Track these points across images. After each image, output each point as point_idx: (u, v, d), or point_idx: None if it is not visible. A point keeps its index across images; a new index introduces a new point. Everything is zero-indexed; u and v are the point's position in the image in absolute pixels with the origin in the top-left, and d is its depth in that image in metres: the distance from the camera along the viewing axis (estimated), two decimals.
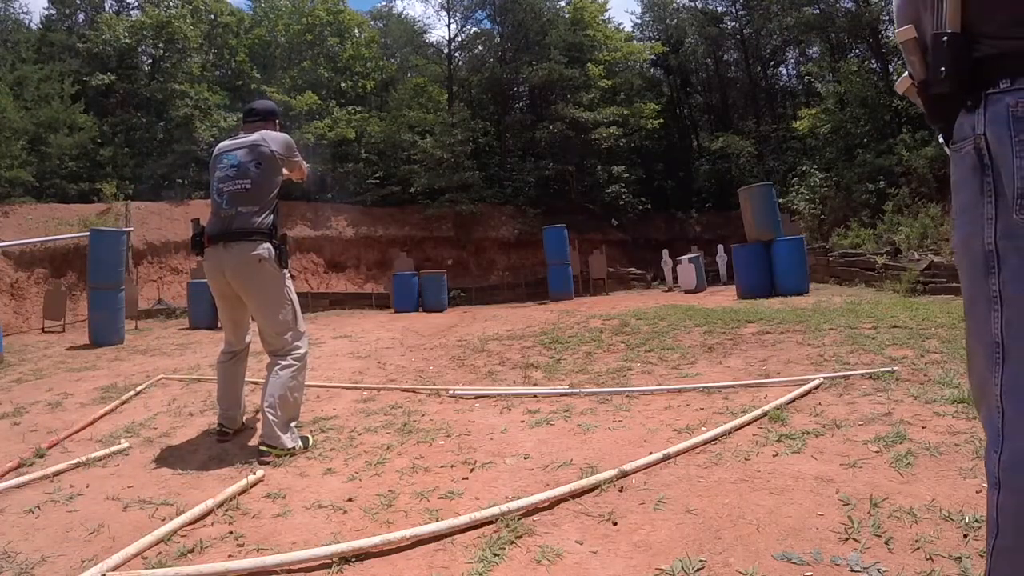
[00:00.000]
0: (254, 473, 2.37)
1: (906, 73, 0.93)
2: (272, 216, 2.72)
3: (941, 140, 0.92)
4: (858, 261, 9.76)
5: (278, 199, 2.81)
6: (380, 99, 26.80)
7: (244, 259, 2.62)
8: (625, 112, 22.16)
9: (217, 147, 2.88)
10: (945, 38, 0.80)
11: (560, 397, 3.34)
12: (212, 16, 26.08)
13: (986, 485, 0.85)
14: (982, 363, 0.84)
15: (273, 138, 2.78)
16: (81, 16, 23.57)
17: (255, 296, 2.71)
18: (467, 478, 2.24)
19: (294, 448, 2.62)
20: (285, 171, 2.94)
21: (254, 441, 2.93)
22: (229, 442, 2.87)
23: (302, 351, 2.76)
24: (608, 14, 25.27)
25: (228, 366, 2.93)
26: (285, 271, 2.72)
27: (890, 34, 17.03)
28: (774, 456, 2.15)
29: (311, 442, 2.74)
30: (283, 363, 2.69)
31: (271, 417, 2.59)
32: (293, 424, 2.71)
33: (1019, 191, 0.75)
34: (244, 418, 3.07)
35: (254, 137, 2.77)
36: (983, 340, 0.82)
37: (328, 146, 22.35)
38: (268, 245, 2.66)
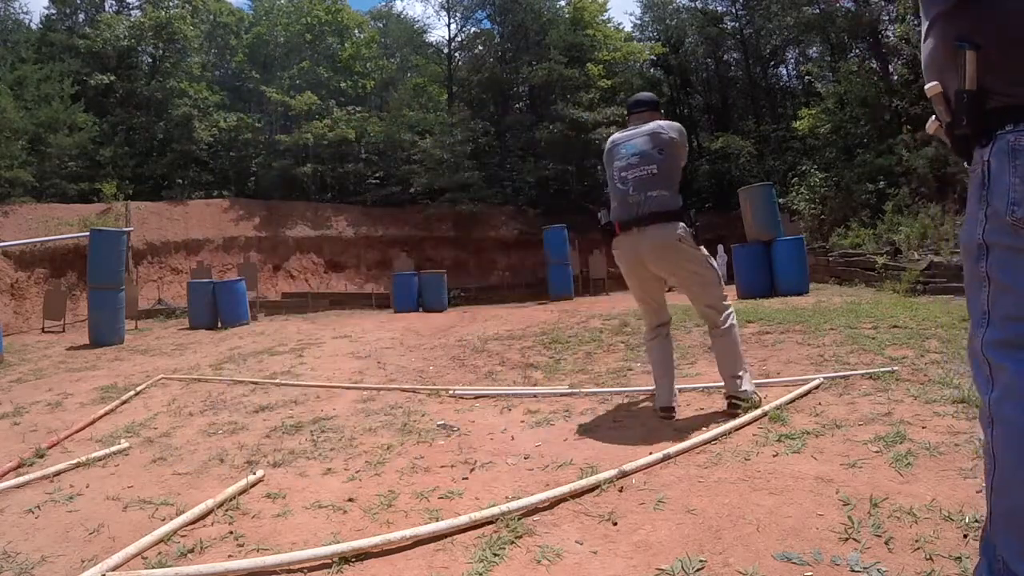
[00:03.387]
0: (254, 473, 2.37)
1: (933, 117, 1.18)
2: (680, 197, 2.74)
3: (967, 165, 1.16)
4: (858, 261, 9.75)
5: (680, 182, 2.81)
6: (380, 99, 26.81)
7: (661, 241, 2.66)
8: (625, 112, 22.13)
9: (611, 139, 2.93)
10: (965, 95, 1.04)
11: (560, 397, 3.34)
12: (212, 16, 26.10)
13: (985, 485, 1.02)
14: (974, 328, 1.07)
15: (670, 125, 2.80)
16: (81, 16, 23.57)
17: (676, 272, 2.75)
18: (467, 478, 2.24)
19: (755, 396, 2.71)
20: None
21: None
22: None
23: (730, 312, 2.78)
24: (608, 14, 25.30)
25: (658, 343, 2.89)
26: (700, 247, 2.74)
27: (890, 34, 17.03)
28: (774, 456, 2.15)
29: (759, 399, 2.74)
30: (721, 331, 2.75)
31: (734, 374, 2.71)
32: (745, 374, 2.76)
33: (1013, 200, 0.98)
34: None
35: (651, 126, 2.79)
36: (975, 311, 1.07)
37: (328, 146, 22.36)
38: (683, 224, 2.68)
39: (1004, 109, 1.03)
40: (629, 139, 2.82)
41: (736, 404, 2.67)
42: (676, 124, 2.86)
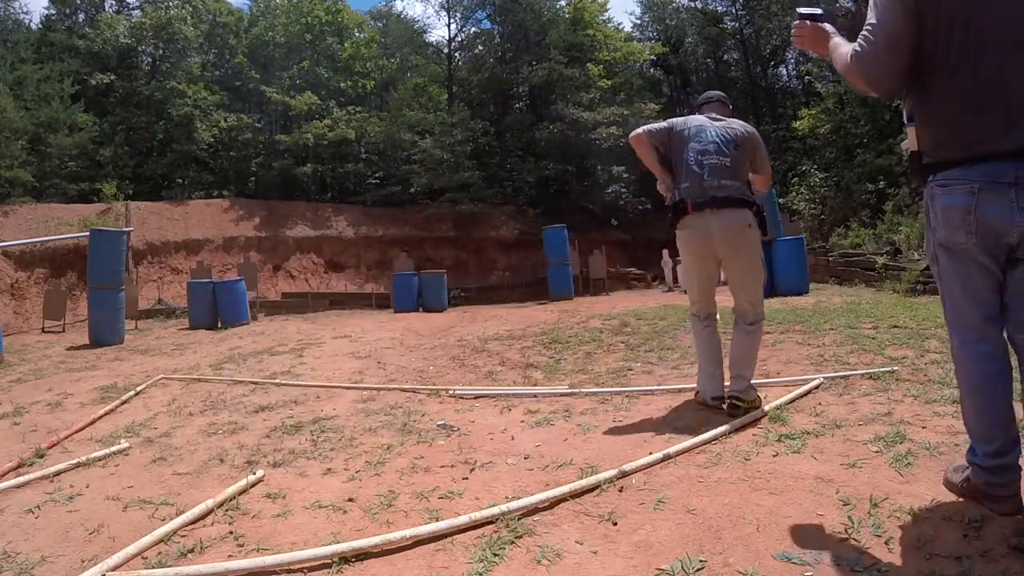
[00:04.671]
0: (254, 473, 2.37)
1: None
2: (749, 191, 2.86)
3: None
4: (858, 261, 9.75)
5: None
6: (380, 99, 26.80)
7: (734, 224, 2.74)
8: (625, 112, 22.11)
9: (682, 121, 2.94)
10: (910, 153, 1.63)
11: (560, 397, 3.34)
12: (212, 16, 26.09)
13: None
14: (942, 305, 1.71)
15: (743, 126, 2.93)
16: (81, 16, 23.57)
17: (741, 259, 2.81)
18: (467, 478, 2.24)
19: (756, 399, 2.74)
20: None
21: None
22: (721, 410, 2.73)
23: (763, 316, 2.90)
24: (608, 14, 25.29)
25: (710, 333, 2.92)
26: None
27: None
28: (774, 456, 2.15)
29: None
30: (750, 328, 2.82)
31: (743, 374, 2.75)
32: (752, 378, 2.83)
33: (934, 228, 1.58)
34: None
35: (727, 122, 2.91)
36: (941, 296, 1.69)
37: (328, 146, 22.35)
38: (752, 213, 2.80)
39: (929, 165, 1.56)
40: (705, 127, 2.88)
41: (736, 405, 2.69)
42: (751, 127, 2.97)
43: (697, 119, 2.95)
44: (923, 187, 1.62)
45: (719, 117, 2.93)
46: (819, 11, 1.76)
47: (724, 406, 2.76)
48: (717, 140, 2.81)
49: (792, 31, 1.80)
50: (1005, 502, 1.57)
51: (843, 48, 1.63)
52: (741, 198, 2.77)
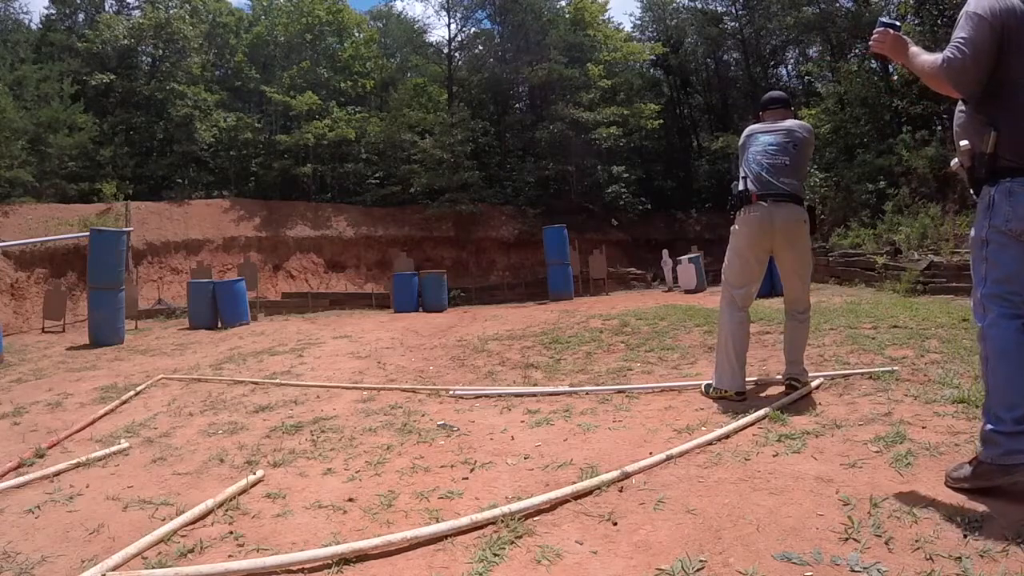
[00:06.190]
0: (254, 473, 2.37)
1: (955, 160, 1.91)
2: (804, 190, 3.07)
3: (972, 192, 1.88)
4: (858, 261, 9.74)
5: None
6: (380, 99, 26.78)
7: (793, 217, 2.92)
8: (625, 112, 22.12)
9: (748, 129, 3.18)
10: (986, 156, 1.76)
11: (560, 397, 3.34)
12: (211, 16, 26.08)
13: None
14: (975, 287, 1.82)
15: (803, 126, 3.09)
16: (81, 16, 23.57)
17: (795, 251, 2.99)
18: (467, 478, 2.24)
19: (807, 379, 3.02)
20: None
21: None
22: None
23: (810, 305, 3.17)
24: (608, 14, 25.30)
25: (745, 328, 3.05)
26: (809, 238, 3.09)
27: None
28: (774, 456, 2.15)
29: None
30: (801, 317, 3.08)
31: (799, 359, 3.04)
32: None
33: (1006, 218, 1.73)
34: None
35: (788, 123, 3.07)
36: (977, 277, 1.82)
37: (328, 146, 22.36)
38: (806, 211, 2.99)
39: (1006, 168, 1.74)
40: (766, 131, 3.06)
41: (794, 386, 2.96)
42: (808, 125, 3.16)
43: (756, 127, 3.15)
44: (983, 185, 1.79)
45: (777, 123, 3.07)
46: (898, 23, 2.00)
47: (744, 399, 2.94)
48: (777, 143, 3.00)
49: (874, 37, 1.98)
50: (1020, 470, 1.63)
51: (926, 56, 1.86)
52: (799, 195, 2.96)
